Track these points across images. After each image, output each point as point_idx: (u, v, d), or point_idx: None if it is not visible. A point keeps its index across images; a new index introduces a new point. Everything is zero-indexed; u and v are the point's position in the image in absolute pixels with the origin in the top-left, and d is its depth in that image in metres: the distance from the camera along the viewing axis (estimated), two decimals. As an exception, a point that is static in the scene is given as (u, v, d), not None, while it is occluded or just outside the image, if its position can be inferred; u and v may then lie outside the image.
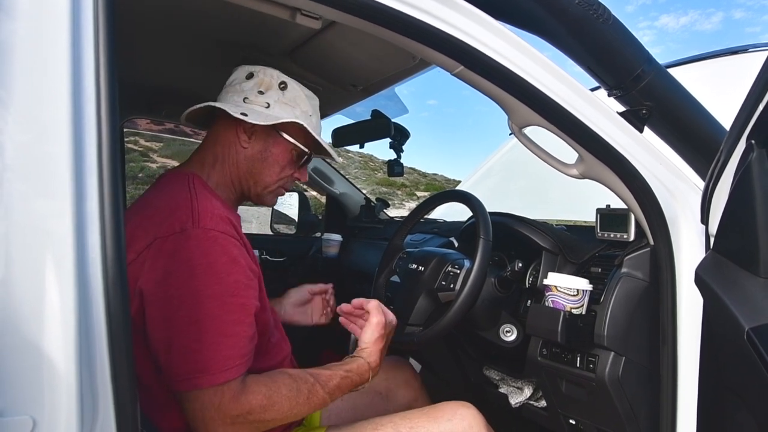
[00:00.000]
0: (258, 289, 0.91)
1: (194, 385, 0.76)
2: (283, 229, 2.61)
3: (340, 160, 1.18)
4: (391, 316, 1.05)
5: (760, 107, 0.77)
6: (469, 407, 1.00)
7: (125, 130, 2.37)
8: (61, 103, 0.57)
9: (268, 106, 1.01)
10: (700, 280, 0.88)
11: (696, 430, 0.96)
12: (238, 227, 0.93)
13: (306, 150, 1.06)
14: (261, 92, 1.02)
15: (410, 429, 0.94)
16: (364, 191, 2.67)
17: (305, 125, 1.01)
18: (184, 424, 0.83)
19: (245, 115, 0.97)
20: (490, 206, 1.29)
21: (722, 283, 0.84)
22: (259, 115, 0.99)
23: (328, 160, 2.36)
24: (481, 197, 1.30)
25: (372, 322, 1.00)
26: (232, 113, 0.98)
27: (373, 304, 1.02)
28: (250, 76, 1.04)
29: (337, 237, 2.31)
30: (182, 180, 0.95)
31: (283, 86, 1.04)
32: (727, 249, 0.88)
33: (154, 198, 0.92)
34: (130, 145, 14.78)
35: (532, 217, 1.38)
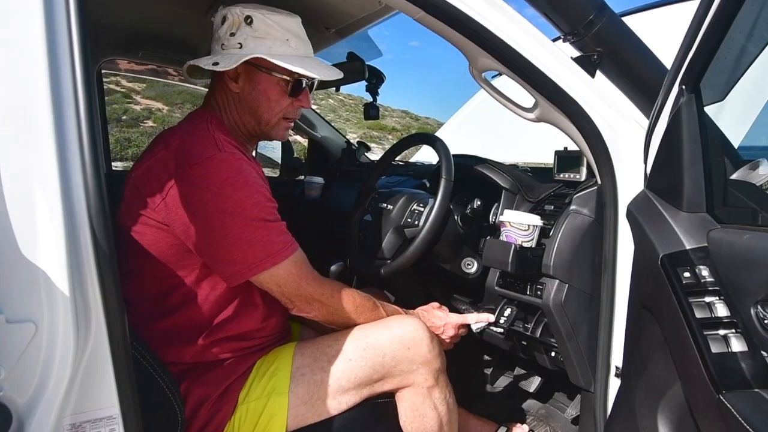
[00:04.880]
0: None
1: (272, 263, 0.95)
2: (267, 171, 2.66)
3: (318, 76, 1.07)
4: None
5: (690, 54, 0.83)
6: (415, 318, 1.13)
7: (104, 71, 2.35)
8: (36, 49, 0.62)
9: (241, 46, 1.03)
10: (629, 214, 0.99)
11: (623, 345, 1.10)
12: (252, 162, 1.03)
13: (287, 78, 1.06)
14: (233, 34, 1.03)
15: (365, 336, 1.07)
16: (355, 135, 2.70)
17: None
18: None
19: (217, 64, 1.00)
20: (472, 149, 1.35)
21: (648, 217, 0.94)
22: (229, 60, 1.01)
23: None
24: (463, 140, 1.37)
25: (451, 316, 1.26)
26: (204, 66, 1.02)
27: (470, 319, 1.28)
28: (223, 20, 1.05)
29: (319, 180, 2.37)
30: (202, 118, 1.04)
31: (249, 21, 1.03)
32: (658, 187, 0.97)
33: (179, 133, 1.01)
34: (111, 86, 14.25)
35: (511, 159, 1.45)
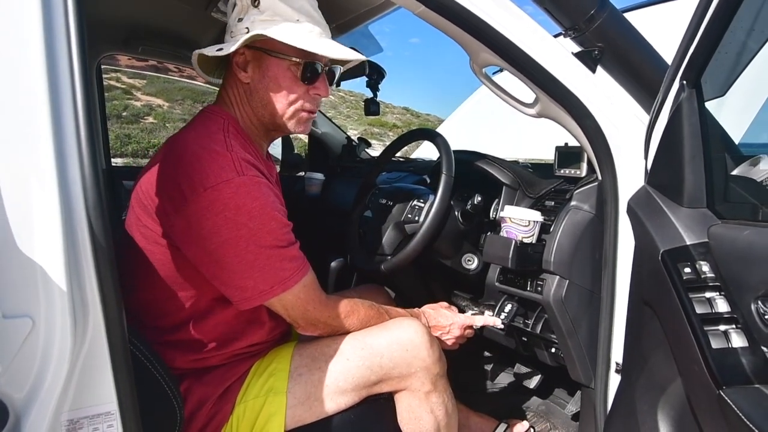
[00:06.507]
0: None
1: (282, 290, 0.92)
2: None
3: (328, 53, 0.97)
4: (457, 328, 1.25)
5: (691, 49, 0.83)
6: (416, 321, 1.11)
7: (104, 66, 2.35)
8: (33, 43, 0.61)
9: (248, 31, 0.95)
10: (630, 210, 0.98)
11: (623, 341, 1.10)
12: (264, 171, 0.97)
13: (297, 59, 0.97)
14: (240, 19, 0.96)
15: (364, 337, 1.06)
16: (356, 131, 2.71)
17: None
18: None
19: (220, 50, 0.95)
20: (472, 145, 1.34)
21: (648, 213, 0.94)
22: (231, 45, 0.94)
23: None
24: (464, 136, 1.36)
25: (459, 316, 1.25)
26: (208, 54, 0.97)
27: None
28: (234, 6, 0.99)
29: (319, 176, 2.37)
30: (217, 122, 0.98)
31: (256, 2, 0.95)
32: (658, 182, 0.97)
33: (193, 142, 0.93)
34: (112, 83, 14.24)
35: (512, 155, 1.45)
